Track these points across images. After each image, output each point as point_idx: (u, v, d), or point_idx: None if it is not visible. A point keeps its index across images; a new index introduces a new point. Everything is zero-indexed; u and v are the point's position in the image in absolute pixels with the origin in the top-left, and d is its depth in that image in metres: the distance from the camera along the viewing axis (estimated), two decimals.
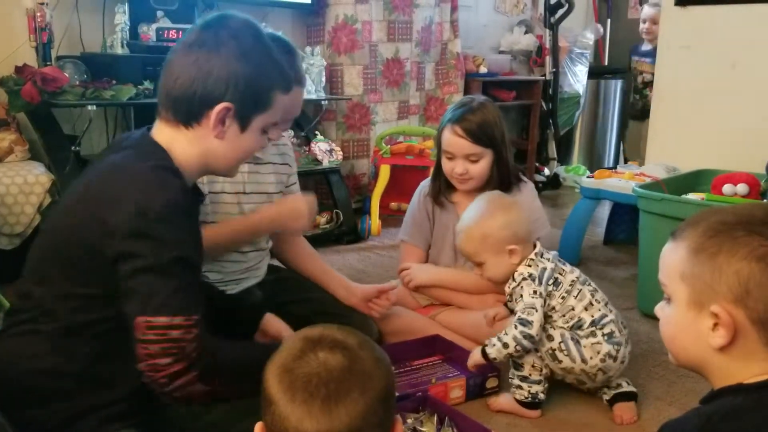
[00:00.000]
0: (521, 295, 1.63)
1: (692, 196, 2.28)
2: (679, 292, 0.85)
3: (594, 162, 4.80)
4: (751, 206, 0.86)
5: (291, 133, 3.16)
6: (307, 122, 3.29)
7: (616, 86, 4.76)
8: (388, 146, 3.40)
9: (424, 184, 2.11)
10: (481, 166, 1.93)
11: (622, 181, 2.84)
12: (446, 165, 1.96)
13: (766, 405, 0.78)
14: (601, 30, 4.76)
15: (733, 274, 0.79)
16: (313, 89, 3.18)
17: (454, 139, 1.91)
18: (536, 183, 4.28)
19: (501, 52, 4.48)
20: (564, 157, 4.80)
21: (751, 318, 0.78)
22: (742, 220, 0.81)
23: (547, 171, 4.49)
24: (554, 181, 4.47)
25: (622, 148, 4.88)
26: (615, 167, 4.31)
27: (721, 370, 0.83)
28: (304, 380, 0.71)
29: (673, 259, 0.86)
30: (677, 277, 0.85)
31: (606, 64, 5.03)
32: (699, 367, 0.86)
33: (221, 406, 1.19)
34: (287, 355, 0.74)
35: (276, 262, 1.98)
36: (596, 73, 4.81)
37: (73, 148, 2.43)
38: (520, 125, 4.65)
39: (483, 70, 4.14)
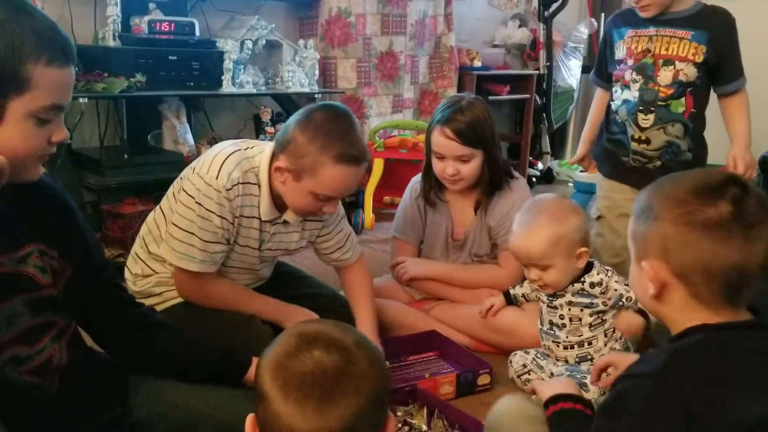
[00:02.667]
0: (615, 289, 1.65)
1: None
2: (631, 250, 1.00)
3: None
4: (694, 177, 0.95)
5: None
6: None
7: None
8: (382, 140, 3.40)
9: (415, 181, 2.10)
10: (472, 167, 1.92)
11: None
12: (437, 165, 1.95)
13: (726, 340, 0.91)
14: (595, 24, 4.75)
15: (657, 235, 0.94)
16: (306, 82, 3.17)
17: (443, 141, 1.89)
18: (530, 177, 4.29)
19: (495, 46, 4.47)
20: (558, 152, 4.80)
21: (673, 272, 0.93)
22: (676, 188, 0.94)
23: (540, 165, 4.50)
24: (548, 176, 4.47)
25: None
26: None
27: (669, 319, 0.97)
28: (298, 380, 0.71)
29: (630, 220, 1.01)
30: (630, 236, 1.00)
31: None
32: (655, 314, 1.02)
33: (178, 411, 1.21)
34: (282, 351, 0.73)
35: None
36: (590, 67, 4.81)
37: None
38: (514, 119, 4.64)
39: (477, 63, 4.13)
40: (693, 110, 1.87)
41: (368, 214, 3.22)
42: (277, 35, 3.08)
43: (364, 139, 3.42)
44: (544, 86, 4.37)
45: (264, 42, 3.02)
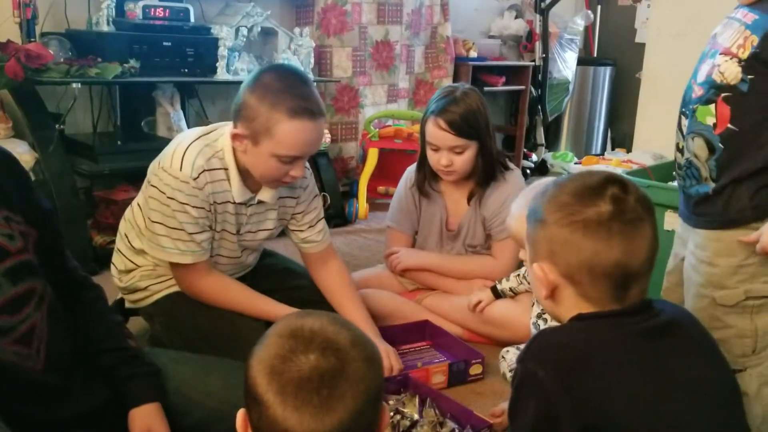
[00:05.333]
0: None
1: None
2: (527, 252, 1.02)
3: (582, 149, 4.80)
4: (576, 180, 0.96)
5: None
6: None
7: (605, 73, 4.76)
8: (377, 129, 3.39)
9: (410, 171, 2.10)
10: (466, 158, 1.91)
11: (610, 167, 2.85)
12: (431, 156, 1.95)
13: (588, 326, 0.93)
14: (591, 16, 4.75)
15: (543, 237, 0.95)
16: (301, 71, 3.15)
17: (438, 132, 1.89)
18: (524, 169, 4.29)
19: (491, 37, 4.46)
20: (552, 144, 4.80)
21: (561, 273, 0.94)
22: (559, 191, 0.95)
23: (535, 157, 4.50)
24: (542, 168, 4.47)
25: (609, 134, 4.90)
26: (603, 154, 4.34)
27: (563, 318, 0.98)
28: (295, 385, 0.69)
29: (525, 222, 1.02)
30: (525, 238, 1.02)
31: (596, 50, 5.03)
32: (552, 315, 1.04)
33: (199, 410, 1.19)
34: (275, 353, 0.71)
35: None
36: (586, 59, 4.81)
37: (57, 126, 2.40)
38: (509, 111, 4.64)
39: (473, 54, 4.12)
40: (730, 126, 1.28)
41: (362, 204, 3.22)
42: (272, 22, 3.06)
43: (359, 128, 3.42)
44: (540, 78, 4.37)
45: (259, 29, 3.00)
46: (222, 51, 2.78)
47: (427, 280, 2.08)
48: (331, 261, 1.80)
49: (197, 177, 1.49)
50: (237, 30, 2.86)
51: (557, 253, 0.94)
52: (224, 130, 1.55)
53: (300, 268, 1.88)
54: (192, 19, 2.78)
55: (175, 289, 1.63)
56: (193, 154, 1.50)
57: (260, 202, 1.62)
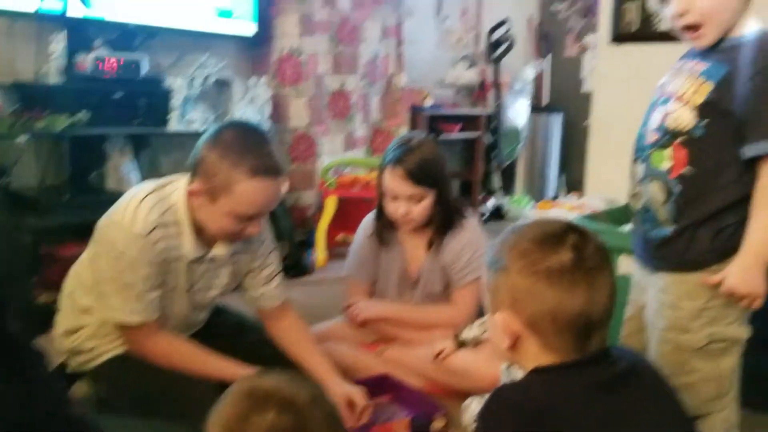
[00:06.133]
0: None
1: (630, 227, 2.33)
2: (488, 301, 1.00)
3: (537, 193, 4.89)
4: (535, 227, 0.96)
5: None
6: None
7: (555, 121, 4.89)
8: (335, 178, 3.38)
9: (368, 220, 2.09)
10: (424, 206, 1.91)
11: (564, 212, 2.90)
12: (389, 205, 1.94)
13: (547, 381, 0.92)
14: (541, 67, 4.90)
15: (506, 286, 0.94)
16: (257, 120, 3.14)
17: (395, 182, 1.88)
18: (481, 214, 4.33)
19: (446, 86, 4.55)
20: (508, 189, 4.87)
21: (524, 322, 0.93)
22: (520, 238, 0.95)
23: (491, 202, 4.55)
24: (499, 212, 4.52)
25: (562, 179, 5.00)
26: (556, 198, 4.41)
27: (525, 369, 0.97)
28: None
29: (486, 272, 1.00)
30: (486, 288, 1.00)
31: (546, 99, 5.17)
32: (513, 364, 1.02)
33: None
34: (232, 414, 0.69)
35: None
36: (537, 107, 4.94)
37: (2, 180, 2.32)
38: (465, 158, 4.70)
39: (428, 103, 4.19)
40: (686, 170, 1.30)
41: (320, 253, 3.18)
42: (227, 73, 3.05)
43: (316, 176, 3.41)
44: (494, 125, 4.46)
45: (214, 79, 2.99)
46: (175, 102, 2.75)
47: (387, 331, 2.05)
48: (288, 314, 1.75)
49: (150, 233, 1.44)
50: (191, 80, 2.84)
51: (520, 303, 0.92)
52: (179, 183, 1.51)
53: (254, 324, 1.82)
54: (145, 70, 2.75)
55: (123, 349, 1.56)
56: (146, 209, 1.45)
57: (214, 258, 1.57)
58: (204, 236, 1.52)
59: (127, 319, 1.47)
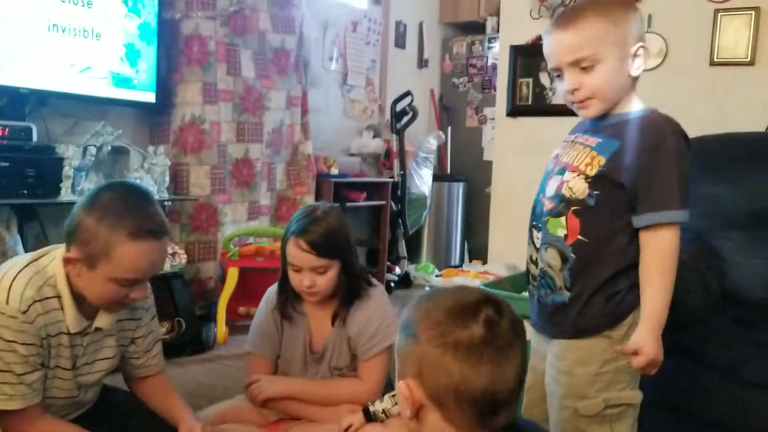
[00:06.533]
0: None
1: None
2: (397, 365, 0.97)
3: (442, 260, 4.96)
4: (451, 297, 0.94)
5: None
6: None
7: (458, 188, 5.04)
8: (237, 248, 3.29)
9: (271, 292, 2.02)
10: (329, 277, 1.88)
11: (469, 279, 2.93)
12: (293, 277, 1.90)
13: None
14: (443, 136, 5.07)
15: (413, 354, 0.91)
16: (155, 189, 3.03)
17: (299, 253, 1.85)
18: (388, 282, 4.33)
19: (351, 155, 4.61)
20: (414, 256, 4.93)
21: (427, 394, 0.90)
22: (434, 306, 0.92)
23: (398, 270, 4.57)
24: (406, 280, 4.54)
25: (466, 246, 5.11)
26: (461, 266, 4.49)
27: None
28: None
29: (398, 336, 0.97)
30: (396, 351, 0.96)
31: (449, 167, 5.34)
32: None
33: None
34: None
35: None
36: (441, 176, 5.08)
37: None
38: (371, 225, 4.74)
39: (334, 171, 4.21)
40: (580, 238, 1.35)
41: (221, 328, 3.05)
42: (124, 141, 2.96)
43: (218, 246, 3.30)
44: (399, 193, 4.53)
45: (110, 148, 2.88)
46: (67, 171, 2.62)
47: (292, 408, 1.96)
48: (159, 377, 1.71)
49: (27, 310, 1.32)
50: (85, 149, 2.73)
51: (425, 374, 0.89)
52: (56, 253, 1.42)
53: (143, 409, 1.70)
54: (35, 139, 2.62)
55: None
56: (21, 284, 1.34)
57: (97, 329, 1.47)
58: (85, 307, 1.42)
59: (4, 406, 1.33)
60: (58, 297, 1.39)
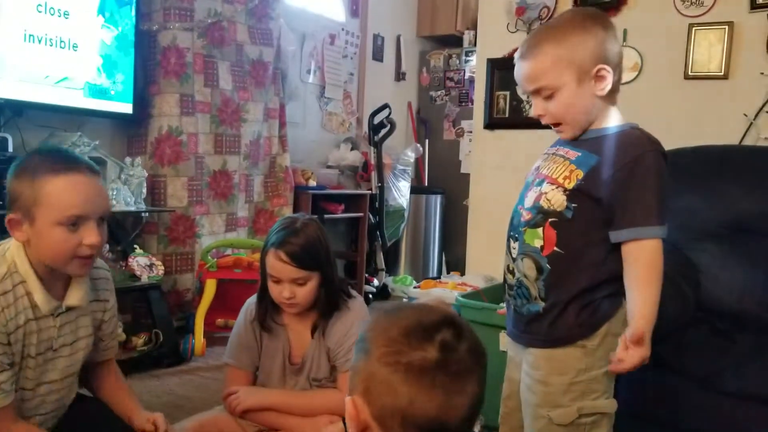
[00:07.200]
0: None
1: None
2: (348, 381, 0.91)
3: (420, 272, 4.98)
4: (410, 315, 0.88)
5: (107, 247, 2.94)
6: (124, 235, 3.09)
7: (436, 201, 5.07)
8: (215, 259, 3.27)
9: (250, 303, 2.02)
10: (308, 289, 1.88)
11: (446, 291, 2.95)
12: (273, 289, 1.90)
13: None
14: (421, 149, 5.11)
15: (364, 370, 0.86)
16: (132, 201, 3.01)
17: (278, 265, 1.85)
18: (366, 294, 4.34)
19: (329, 167, 4.62)
20: (392, 268, 4.94)
21: (373, 414, 0.85)
22: (391, 323, 0.87)
23: (376, 282, 4.58)
24: (384, 292, 4.55)
25: (444, 258, 5.14)
26: (439, 277, 4.52)
27: None
28: None
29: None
30: (350, 367, 0.92)
31: (426, 179, 5.37)
32: None
33: None
34: None
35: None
36: (418, 188, 5.11)
37: None
38: (350, 237, 4.74)
39: (312, 183, 4.22)
40: (556, 249, 1.37)
41: (199, 339, 3.03)
42: (101, 152, 2.93)
43: (195, 258, 3.27)
44: (377, 205, 4.54)
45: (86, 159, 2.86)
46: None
47: (270, 420, 1.95)
48: (112, 366, 1.74)
49: None
50: None
51: (372, 393, 0.84)
52: (10, 241, 1.42)
53: (118, 422, 1.68)
54: (10, 149, 2.59)
55: None
56: None
57: (69, 309, 1.46)
58: (52, 287, 1.43)
59: None
60: (23, 282, 1.38)
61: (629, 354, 1.27)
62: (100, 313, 1.61)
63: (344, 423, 1.83)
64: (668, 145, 1.44)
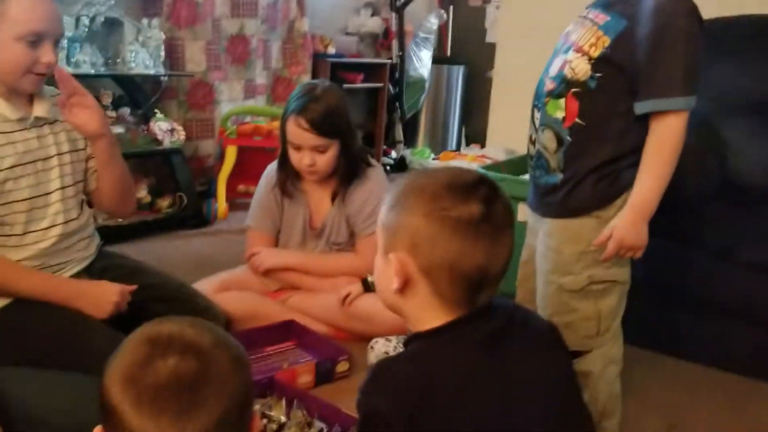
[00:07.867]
0: None
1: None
2: (379, 240, 0.95)
3: (438, 145, 4.96)
4: (448, 173, 0.93)
5: (127, 111, 2.94)
6: (145, 99, 3.08)
7: (458, 72, 4.95)
8: (235, 126, 3.28)
9: (271, 170, 2.05)
10: (329, 157, 1.89)
11: (465, 163, 2.96)
12: (293, 156, 1.91)
13: (428, 352, 0.90)
14: (444, 16, 4.91)
15: (408, 227, 0.90)
16: (151, 64, 2.98)
17: (298, 132, 1.85)
18: (384, 166, 4.36)
19: (348, 34, 4.48)
20: (410, 140, 4.91)
21: (420, 267, 0.89)
22: (430, 181, 0.91)
23: (394, 154, 4.58)
24: (401, 164, 4.56)
25: (464, 131, 5.09)
26: (459, 150, 4.50)
27: (410, 317, 0.94)
28: (153, 392, 0.64)
29: (381, 210, 0.96)
30: (380, 226, 0.95)
31: (449, 49, 5.21)
32: (396, 311, 0.96)
33: None
34: (131, 360, 0.66)
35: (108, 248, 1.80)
36: (440, 58, 4.97)
37: None
38: (368, 108, 4.69)
39: (331, 51, 4.11)
40: (577, 121, 1.34)
41: (221, 204, 3.11)
42: (117, 12, 2.86)
43: (215, 125, 3.28)
44: (397, 75, 4.45)
45: (103, 19, 2.79)
46: (61, 42, 2.55)
47: (291, 279, 2.04)
48: None
49: None
50: (77, 19, 2.65)
51: (420, 247, 0.88)
52: None
53: (151, 267, 1.76)
54: None
55: (9, 300, 1.47)
56: None
57: (38, 118, 1.50)
58: (17, 101, 1.47)
59: None
60: None
61: (609, 245, 1.31)
62: (82, 140, 1.59)
63: (363, 283, 1.91)
64: (707, 14, 1.36)
